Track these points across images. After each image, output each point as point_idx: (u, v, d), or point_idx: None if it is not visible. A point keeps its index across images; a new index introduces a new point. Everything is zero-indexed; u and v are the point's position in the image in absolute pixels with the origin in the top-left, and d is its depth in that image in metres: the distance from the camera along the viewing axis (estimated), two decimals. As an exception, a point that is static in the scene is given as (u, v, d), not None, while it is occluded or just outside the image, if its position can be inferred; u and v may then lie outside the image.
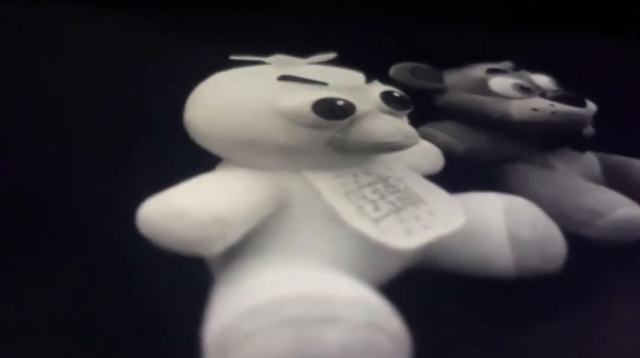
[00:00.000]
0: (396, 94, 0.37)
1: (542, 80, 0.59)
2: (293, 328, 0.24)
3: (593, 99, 0.57)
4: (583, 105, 0.55)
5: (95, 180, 0.52)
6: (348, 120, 0.34)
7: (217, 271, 0.34)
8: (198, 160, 0.35)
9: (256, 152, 0.34)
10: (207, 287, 0.31)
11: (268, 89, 0.34)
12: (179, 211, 0.28)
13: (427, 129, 0.59)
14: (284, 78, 0.35)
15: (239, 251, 0.32)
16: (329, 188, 0.34)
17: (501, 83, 0.58)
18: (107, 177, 0.51)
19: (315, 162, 0.35)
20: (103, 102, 0.56)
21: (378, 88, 0.37)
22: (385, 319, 0.25)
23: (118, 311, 0.38)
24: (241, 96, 0.35)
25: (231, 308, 0.26)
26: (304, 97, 0.33)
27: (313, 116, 0.32)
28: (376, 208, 0.33)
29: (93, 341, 0.35)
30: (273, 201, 0.33)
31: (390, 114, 0.36)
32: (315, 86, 0.35)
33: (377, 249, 0.32)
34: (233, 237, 0.30)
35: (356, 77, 0.38)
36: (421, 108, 0.41)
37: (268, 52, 0.39)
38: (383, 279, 0.35)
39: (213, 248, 0.29)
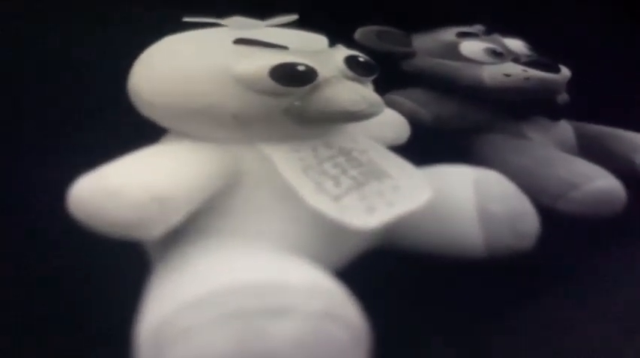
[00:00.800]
0: (361, 59, 0.35)
1: (515, 44, 0.58)
2: (238, 321, 0.22)
3: (566, 65, 0.55)
4: (557, 71, 0.54)
5: (21, 155, 0.47)
6: (308, 87, 0.32)
7: (156, 258, 0.31)
8: (140, 133, 0.33)
9: (207, 122, 0.32)
10: (144, 276, 0.28)
11: (222, 53, 0.32)
12: (114, 189, 0.25)
13: (393, 96, 0.58)
14: (240, 41, 0.33)
15: (181, 234, 0.30)
16: (286, 162, 0.32)
17: (472, 47, 0.57)
18: (35, 153, 0.47)
19: (272, 134, 0.33)
20: (36, 66, 0.52)
21: (341, 52, 0.35)
22: (342, 308, 0.24)
23: (42, 303, 0.35)
24: (192, 61, 0.32)
25: (168, 300, 0.24)
26: (261, 62, 0.31)
27: (271, 82, 0.30)
28: (337, 184, 0.31)
29: (16, 337, 0.32)
30: (222, 177, 0.31)
31: (355, 80, 0.34)
32: (274, 50, 0.33)
33: (336, 229, 0.30)
34: (175, 217, 0.27)
35: (318, 41, 0.36)
36: (387, 74, 0.39)
37: (224, 13, 0.37)
38: (342, 262, 0.34)
39: (152, 231, 0.26)
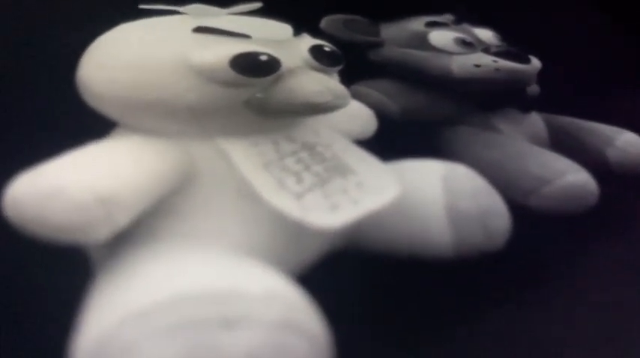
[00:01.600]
0: (327, 49, 0.34)
1: (486, 34, 0.57)
2: (187, 333, 0.20)
3: (537, 56, 0.54)
4: (527, 61, 0.53)
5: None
6: (271, 77, 0.30)
7: (99, 264, 0.29)
8: (87, 127, 0.30)
9: (161, 114, 0.30)
10: (84, 285, 0.26)
11: (180, 41, 0.31)
12: (55, 189, 0.23)
13: (359, 87, 0.56)
14: (200, 29, 0.31)
15: (128, 238, 0.28)
16: (245, 158, 0.30)
17: (442, 37, 0.55)
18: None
19: (231, 127, 0.32)
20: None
21: (306, 41, 0.34)
22: (301, 317, 0.22)
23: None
24: (147, 49, 0.31)
25: (111, 311, 0.22)
26: (222, 51, 0.29)
27: (231, 72, 0.29)
28: (299, 181, 0.30)
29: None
30: (175, 175, 0.29)
31: (320, 71, 0.33)
32: (236, 39, 0.31)
33: (298, 229, 0.28)
34: (123, 220, 0.25)
35: (283, 29, 0.35)
36: (353, 64, 0.38)
37: (184, 0, 0.35)
38: (304, 265, 0.32)
39: (96, 234, 0.24)
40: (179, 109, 0.30)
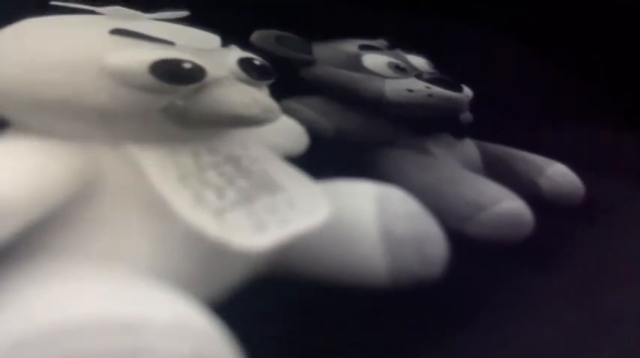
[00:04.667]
0: (257, 62, 0.32)
1: (418, 61, 0.57)
2: None
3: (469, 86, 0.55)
4: (459, 90, 0.53)
5: None
6: (194, 86, 0.28)
7: None
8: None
9: (65, 116, 0.27)
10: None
11: (94, 41, 0.28)
12: None
13: (291, 103, 0.54)
14: (118, 32, 0.29)
15: (11, 254, 0.24)
16: (158, 167, 0.27)
17: (375, 60, 0.55)
18: None
19: (145, 135, 0.29)
20: None
21: (235, 53, 0.32)
22: (214, 351, 0.20)
23: None
24: (56, 46, 0.28)
25: None
26: (141, 55, 0.27)
27: (150, 78, 0.26)
28: (220, 196, 0.28)
29: None
30: (74, 182, 0.26)
31: (248, 84, 0.31)
32: (158, 44, 0.29)
33: (217, 250, 0.26)
34: (5, 231, 0.22)
35: (209, 39, 0.33)
36: (285, 81, 0.36)
37: (104, 2, 0.34)
38: (222, 292, 0.29)
39: None
40: (85, 111, 0.27)
